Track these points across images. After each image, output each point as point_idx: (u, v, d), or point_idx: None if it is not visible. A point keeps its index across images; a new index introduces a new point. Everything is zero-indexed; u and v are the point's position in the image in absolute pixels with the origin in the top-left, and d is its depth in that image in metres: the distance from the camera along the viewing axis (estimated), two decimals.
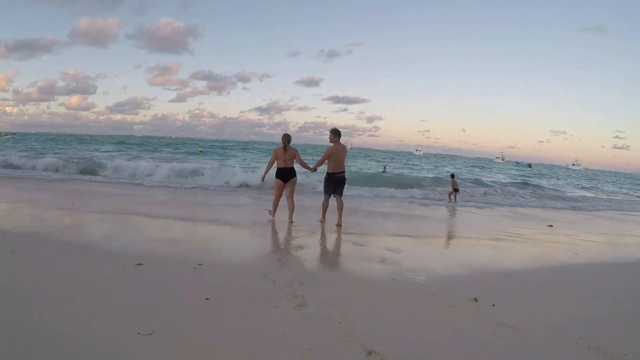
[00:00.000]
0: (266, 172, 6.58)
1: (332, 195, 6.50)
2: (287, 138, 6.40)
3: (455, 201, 12.29)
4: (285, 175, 6.37)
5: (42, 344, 2.36)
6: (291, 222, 6.38)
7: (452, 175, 13.36)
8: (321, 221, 6.55)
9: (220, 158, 27.13)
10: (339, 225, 6.35)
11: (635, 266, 5.68)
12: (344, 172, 6.42)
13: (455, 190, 12.56)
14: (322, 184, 6.69)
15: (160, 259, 4.21)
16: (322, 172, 6.85)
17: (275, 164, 6.50)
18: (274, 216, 6.72)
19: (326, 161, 6.41)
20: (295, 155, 6.41)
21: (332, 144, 6.43)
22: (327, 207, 6.55)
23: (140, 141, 40.24)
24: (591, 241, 7.31)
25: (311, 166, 6.70)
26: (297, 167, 6.65)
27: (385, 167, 22.51)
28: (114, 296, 3.16)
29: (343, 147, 6.47)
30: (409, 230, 7.15)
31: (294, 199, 6.57)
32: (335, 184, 6.40)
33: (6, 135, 48.43)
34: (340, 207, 6.47)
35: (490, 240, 6.71)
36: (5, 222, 5.67)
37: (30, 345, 2.34)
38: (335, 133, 6.40)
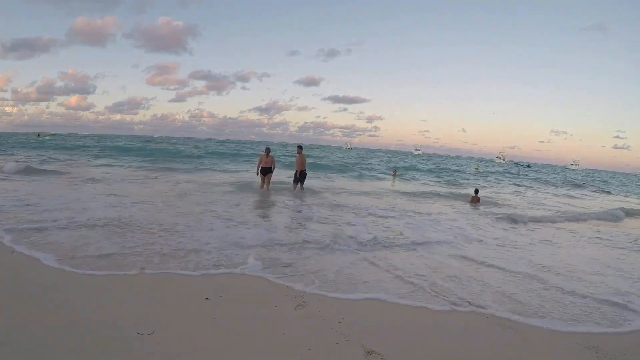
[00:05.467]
0: (257, 169, 10.47)
1: (299, 183, 10.62)
2: (267, 150, 10.42)
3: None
4: (265, 172, 10.37)
5: (42, 344, 2.36)
6: (267, 189, 10.31)
7: (476, 191, 12.11)
8: (293, 190, 10.59)
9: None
10: (299, 190, 10.51)
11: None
12: (304, 170, 10.63)
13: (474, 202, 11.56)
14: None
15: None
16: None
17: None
18: (261, 187, 10.37)
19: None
20: (272, 160, 10.38)
21: (298, 154, 10.70)
22: (295, 188, 10.69)
23: (128, 146, 33.16)
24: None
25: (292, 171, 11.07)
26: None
27: (395, 171, 22.50)
28: (114, 296, 3.16)
29: (303, 156, 10.63)
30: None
31: (269, 186, 10.46)
32: (298, 177, 10.58)
33: (46, 136, 47.01)
34: (300, 189, 10.62)
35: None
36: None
37: (31, 345, 2.35)
38: (298, 148, 10.80)
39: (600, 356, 2.70)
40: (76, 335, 2.49)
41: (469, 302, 3.54)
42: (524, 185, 23.05)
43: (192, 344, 2.49)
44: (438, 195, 13.51)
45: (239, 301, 3.22)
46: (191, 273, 3.81)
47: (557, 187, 24.82)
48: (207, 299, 3.19)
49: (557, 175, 40.32)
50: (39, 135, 46.85)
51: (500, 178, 27.96)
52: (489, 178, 26.92)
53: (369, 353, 2.49)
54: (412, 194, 12.96)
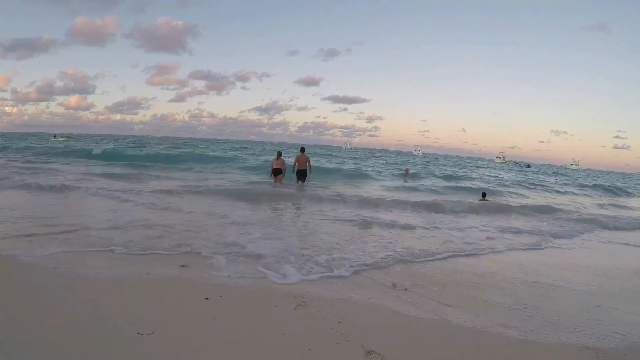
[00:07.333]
0: (270, 170, 11.81)
1: (300, 181, 11.60)
2: (279, 154, 11.75)
3: None
4: (276, 172, 11.62)
5: (42, 344, 2.36)
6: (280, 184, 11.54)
7: (484, 195, 12.20)
8: (296, 184, 11.64)
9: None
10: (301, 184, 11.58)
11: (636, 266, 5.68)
12: (304, 169, 11.61)
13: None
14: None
15: (161, 258, 4.21)
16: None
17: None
18: (274, 184, 11.51)
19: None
20: (283, 163, 11.62)
21: (298, 154, 11.79)
22: (297, 184, 11.64)
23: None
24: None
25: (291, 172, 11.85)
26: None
27: (407, 170, 21.79)
28: (114, 296, 3.16)
29: (304, 156, 11.65)
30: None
31: (282, 182, 11.61)
32: (299, 174, 11.62)
33: (62, 137, 46.40)
34: (301, 185, 11.63)
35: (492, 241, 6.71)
36: None
37: (31, 345, 2.35)
38: (300, 150, 11.86)
39: (601, 356, 2.70)
40: (76, 335, 2.49)
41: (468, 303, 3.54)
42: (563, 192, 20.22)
43: (192, 344, 2.49)
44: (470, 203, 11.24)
45: (239, 301, 3.22)
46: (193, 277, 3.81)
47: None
48: (207, 299, 3.19)
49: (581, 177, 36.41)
50: (55, 136, 46.74)
51: (505, 180, 24.80)
52: (505, 182, 23.16)
53: (369, 353, 2.49)
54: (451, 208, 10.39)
